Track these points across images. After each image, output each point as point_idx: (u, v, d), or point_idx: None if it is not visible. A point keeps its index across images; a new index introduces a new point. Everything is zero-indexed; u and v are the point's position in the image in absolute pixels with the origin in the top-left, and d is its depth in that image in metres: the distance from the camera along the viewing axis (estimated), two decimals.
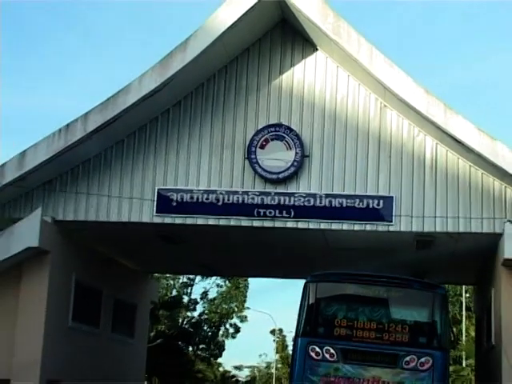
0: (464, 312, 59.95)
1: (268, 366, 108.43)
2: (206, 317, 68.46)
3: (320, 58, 24.25)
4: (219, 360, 72.73)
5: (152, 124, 24.50)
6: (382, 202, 23.34)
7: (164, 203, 23.91)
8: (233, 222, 23.85)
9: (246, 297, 70.96)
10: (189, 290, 66.24)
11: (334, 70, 24.17)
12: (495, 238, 23.15)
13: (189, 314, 65.45)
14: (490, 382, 25.89)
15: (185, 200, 23.84)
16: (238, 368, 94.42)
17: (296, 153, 23.55)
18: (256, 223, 23.73)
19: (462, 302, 62.13)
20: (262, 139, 23.78)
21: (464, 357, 54.37)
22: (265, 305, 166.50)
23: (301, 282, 22.00)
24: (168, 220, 24.07)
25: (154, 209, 23.93)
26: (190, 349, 66.55)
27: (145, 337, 35.00)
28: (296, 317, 21.91)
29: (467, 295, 60.28)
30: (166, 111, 24.45)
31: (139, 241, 26.92)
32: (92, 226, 24.83)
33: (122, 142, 24.52)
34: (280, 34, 24.41)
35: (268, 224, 23.69)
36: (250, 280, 68.37)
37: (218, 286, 69.06)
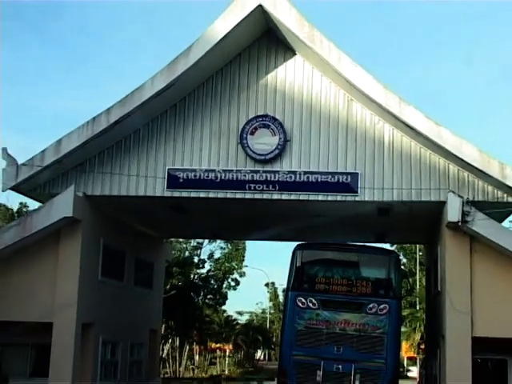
0: (418, 266, 62.32)
1: (263, 312, 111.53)
2: (212, 273, 68.90)
3: (298, 61, 24.55)
4: (223, 307, 73.55)
5: (162, 116, 24.79)
6: (349, 177, 23.75)
7: (173, 180, 24.28)
8: (229, 195, 24.24)
9: (244, 257, 71.34)
10: (198, 252, 67.17)
11: (309, 70, 24.46)
12: (440, 206, 23.48)
13: (198, 271, 66.52)
14: (436, 319, 26.37)
15: (189, 177, 24.22)
16: (240, 313, 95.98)
17: (279, 138, 23.90)
18: (248, 195, 24.12)
19: (416, 259, 64.17)
20: (252, 127, 24.13)
21: (418, 301, 57.00)
22: (260, 263, 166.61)
23: (287, 244, 23.03)
24: (176, 194, 24.46)
25: (165, 185, 24.30)
26: (200, 298, 67.49)
27: (161, 289, 35.58)
28: (286, 275, 24.63)
29: (420, 253, 61.36)
30: (174, 106, 24.71)
31: (154, 211, 27.33)
32: (115, 199, 25.19)
33: (139, 131, 24.79)
34: (266, 42, 24.71)
35: (257, 196, 24.09)
36: (248, 243, 68.74)
37: (221, 248, 69.40)
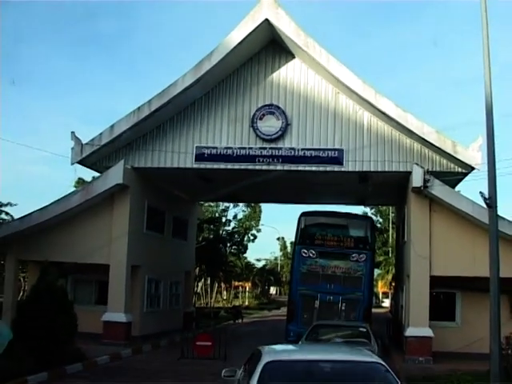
0: (390, 225, 61.36)
1: (275, 259, 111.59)
2: (236, 229, 68.94)
3: (296, 63, 23.55)
4: (245, 255, 73.65)
5: (192, 106, 23.91)
6: (336, 152, 22.85)
7: (199, 155, 23.48)
8: (242, 167, 23.39)
9: (260, 217, 71.26)
10: (226, 214, 67.42)
11: (305, 70, 23.46)
12: (407, 175, 22.66)
13: (226, 228, 66.79)
14: (403, 263, 25.69)
15: (212, 153, 23.43)
16: (258, 260, 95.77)
17: (282, 122, 23.03)
18: (257, 167, 23.27)
19: (389, 219, 63.49)
20: (261, 114, 23.24)
21: (390, 251, 57.05)
22: (273, 222, 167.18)
23: (293, 208, 22.80)
24: (202, 166, 23.66)
25: (193, 159, 23.51)
26: (227, 248, 67.36)
27: (193, 240, 34.63)
28: (294, 233, 26.08)
29: (392, 214, 59.97)
30: (200, 98, 23.83)
31: (186, 180, 26.44)
32: (155, 170, 24.38)
33: (174, 118, 23.96)
34: (271, 48, 23.73)
35: (265, 167, 23.24)
36: (263, 207, 68.66)
37: (243, 211, 69.67)
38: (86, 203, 23.72)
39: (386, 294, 66.70)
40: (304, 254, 24.56)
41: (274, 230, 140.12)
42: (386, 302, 62.85)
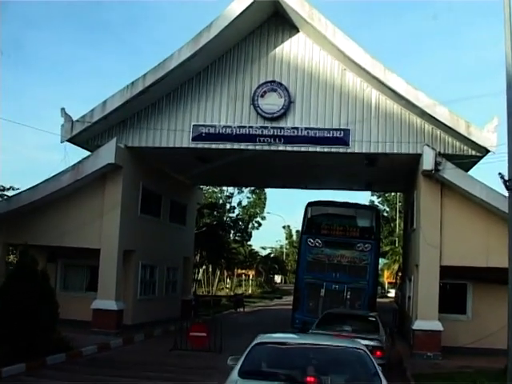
0: (397, 214, 60.33)
1: (281, 247, 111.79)
2: (240, 216, 67.84)
3: (301, 38, 21.95)
4: (250, 243, 72.54)
5: (189, 82, 22.44)
6: (342, 132, 21.31)
7: (197, 134, 21.98)
8: (242, 147, 21.89)
9: (265, 204, 70.22)
10: (230, 200, 66.48)
11: (310, 45, 21.89)
12: (417, 158, 21.09)
13: (230, 214, 65.86)
14: (411, 252, 24.26)
15: (210, 132, 21.95)
16: (263, 248, 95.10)
17: (285, 100, 21.52)
18: (258, 147, 21.79)
19: (396, 208, 62.27)
20: (262, 91, 21.72)
21: (397, 240, 56.29)
22: (279, 210, 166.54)
23: (299, 196, 21.73)
24: (199, 145, 22.18)
25: (190, 138, 22.01)
26: (231, 235, 66.23)
27: (193, 225, 33.20)
28: (300, 222, 26.36)
29: (400, 203, 59.13)
30: (199, 73, 22.35)
31: (183, 161, 24.89)
32: (150, 150, 22.93)
33: (170, 94, 22.49)
34: (274, 22, 22.12)
35: (266, 147, 21.75)
36: (269, 194, 67.69)
37: (247, 197, 68.81)
38: (77, 183, 22.31)
39: (391, 284, 65.35)
40: (310, 243, 24.60)
41: (280, 218, 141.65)
42: (392, 292, 61.56)
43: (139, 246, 24.14)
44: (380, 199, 74.69)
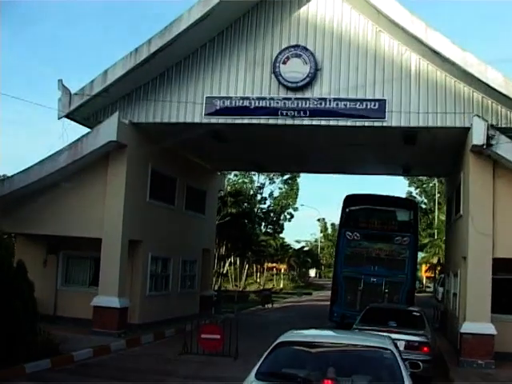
0: (436, 205, 59.12)
1: (315, 241, 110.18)
2: (271, 208, 65.49)
3: None
4: (283, 235, 70.27)
5: (202, 49, 19.66)
6: (377, 103, 18.31)
7: (210, 107, 19.24)
8: (262, 121, 19.03)
9: (297, 195, 67.89)
10: (261, 191, 64.32)
11: (339, 3, 18.88)
12: (464, 132, 17.99)
13: (261, 205, 63.64)
14: (456, 243, 21.03)
15: (226, 105, 19.16)
16: (298, 241, 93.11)
17: (310, 67, 18.58)
18: (280, 121, 18.86)
19: (435, 199, 61.12)
20: (284, 57, 18.81)
21: (436, 232, 54.86)
22: (314, 203, 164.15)
23: (335, 189, 22.12)
24: (213, 120, 19.37)
25: (203, 112, 19.23)
26: (262, 228, 63.85)
27: (214, 214, 30.31)
28: (338, 215, 26.39)
29: (438, 195, 58.73)
30: (212, 39, 19.54)
31: (198, 140, 21.96)
32: (159, 126, 20.19)
33: (180, 63, 19.76)
34: None
35: (289, 122, 18.81)
36: (303, 185, 65.40)
37: (279, 188, 66.55)
38: (76, 164, 19.69)
39: (430, 279, 62.05)
40: (348, 237, 24.64)
41: (315, 211, 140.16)
42: (431, 287, 58.34)
43: (148, 235, 21.47)
44: (418, 190, 71.99)
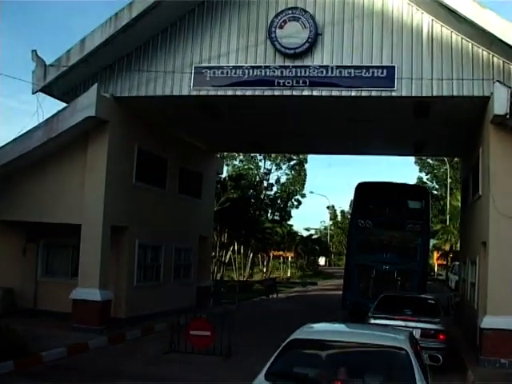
0: (448, 191, 57.12)
1: (325, 228, 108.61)
2: (278, 194, 63.73)
3: None
4: (290, 223, 68.46)
5: (190, 14, 17.60)
6: (385, 71, 16.22)
7: (199, 78, 17.19)
8: (257, 92, 17.03)
9: (304, 181, 66.21)
10: (267, 177, 62.54)
11: None
12: (483, 102, 15.92)
13: (268, 192, 61.92)
14: (475, 228, 18.80)
15: (216, 75, 17.08)
16: (307, 229, 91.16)
17: (310, 31, 16.50)
18: (277, 92, 16.84)
19: (447, 185, 59.00)
20: (281, 20, 16.73)
21: (448, 218, 53.25)
22: (323, 190, 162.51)
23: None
24: (203, 92, 17.32)
25: (192, 83, 17.18)
26: (269, 215, 62.07)
27: (211, 199, 28.26)
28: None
29: (450, 180, 57.36)
30: (201, 3, 17.46)
31: (187, 116, 20.12)
32: (145, 101, 18.23)
33: (166, 30, 17.73)
34: None
35: (287, 93, 16.78)
36: (311, 172, 63.87)
37: (286, 174, 64.91)
38: (52, 144, 17.85)
39: (442, 266, 59.98)
40: (360, 224, 24.50)
41: (324, 198, 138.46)
42: (443, 275, 56.37)
43: (135, 221, 19.58)
44: (429, 176, 69.92)
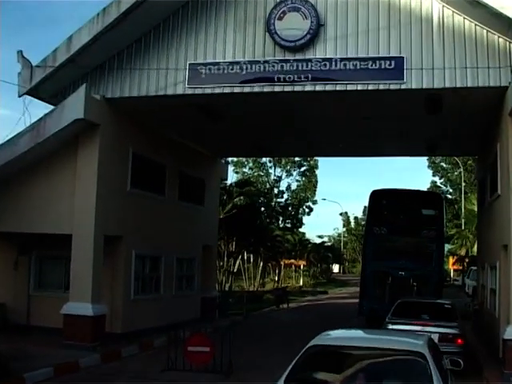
0: (462, 195, 55.42)
1: (338, 235, 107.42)
2: (289, 201, 62.77)
3: None
4: (302, 230, 67.69)
5: (184, 9, 16.48)
6: (393, 62, 15.01)
7: (195, 76, 16.02)
8: (256, 89, 15.82)
9: (316, 187, 65.46)
10: (278, 184, 61.74)
11: None
12: (501, 93, 14.64)
13: (279, 200, 61.16)
14: (495, 230, 17.32)
15: (212, 72, 15.92)
16: (320, 236, 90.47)
17: (311, 22, 15.33)
18: (277, 88, 15.62)
19: (461, 189, 57.55)
20: (280, 11, 15.57)
21: (463, 222, 51.69)
22: (335, 197, 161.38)
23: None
24: (198, 91, 16.14)
25: (186, 81, 16.03)
26: (280, 223, 61.03)
27: (215, 206, 26.96)
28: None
29: (464, 184, 56.81)
30: None
31: (186, 118, 18.96)
32: (138, 102, 17.11)
33: (159, 26, 16.62)
34: None
35: (288, 88, 15.56)
36: (324, 181, 63.00)
37: (297, 181, 64.03)
38: (41, 149, 16.71)
39: (457, 271, 58.45)
40: (376, 231, 24.72)
41: (337, 204, 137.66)
42: (459, 281, 54.89)
43: (131, 230, 18.41)
44: (442, 180, 68.59)
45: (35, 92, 17.00)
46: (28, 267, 19.01)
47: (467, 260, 48.75)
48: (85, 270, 16.31)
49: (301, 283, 57.93)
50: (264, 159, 59.62)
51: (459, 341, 14.52)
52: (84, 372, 14.37)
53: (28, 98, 17.07)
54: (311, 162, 63.59)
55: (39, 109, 21.15)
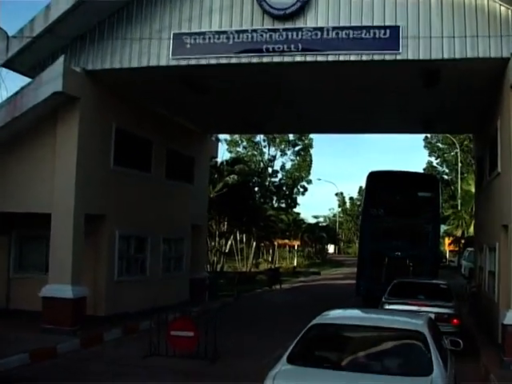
0: (459, 175, 54.87)
1: (334, 216, 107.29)
2: (283, 181, 62.08)
3: None
4: (297, 211, 67.49)
5: None
6: (388, 31, 14.17)
7: (179, 47, 15.17)
8: (243, 60, 14.98)
9: (310, 167, 64.71)
10: (272, 164, 61.15)
11: None
12: (502, 64, 13.82)
13: (272, 179, 60.67)
14: (493, 210, 16.73)
15: (198, 42, 15.06)
16: (316, 217, 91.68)
17: None
18: (265, 59, 14.78)
19: (457, 170, 56.64)
20: None
21: (459, 203, 51.08)
22: (331, 177, 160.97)
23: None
24: (183, 62, 15.28)
25: (170, 53, 15.19)
26: (274, 203, 60.49)
27: (205, 184, 26.06)
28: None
29: (460, 164, 56.01)
30: None
31: (171, 91, 18.11)
32: (121, 75, 16.33)
33: None
34: None
35: (277, 59, 14.71)
36: (319, 161, 62.43)
37: (291, 160, 63.57)
38: (19, 124, 15.90)
39: (453, 252, 57.99)
40: (372, 213, 25.08)
41: (332, 185, 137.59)
42: (455, 262, 54.37)
43: (114, 209, 17.67)
44: (438, 160, 67.96)
45: (12, 64, 16.27)
46: (8, 248, 18.30)
47: (463, 241, 48.41)
48: (64, 251, 15.57)
49: (295, 263, 57.37)
50: (258, 138, 58.91)
51: (455, 321, 14.57)
52: (61, 358, 13.62)
53: (4, 70, 16.31)
54: (306, 142, 62.83)
55: (16, 82, 20.43)
